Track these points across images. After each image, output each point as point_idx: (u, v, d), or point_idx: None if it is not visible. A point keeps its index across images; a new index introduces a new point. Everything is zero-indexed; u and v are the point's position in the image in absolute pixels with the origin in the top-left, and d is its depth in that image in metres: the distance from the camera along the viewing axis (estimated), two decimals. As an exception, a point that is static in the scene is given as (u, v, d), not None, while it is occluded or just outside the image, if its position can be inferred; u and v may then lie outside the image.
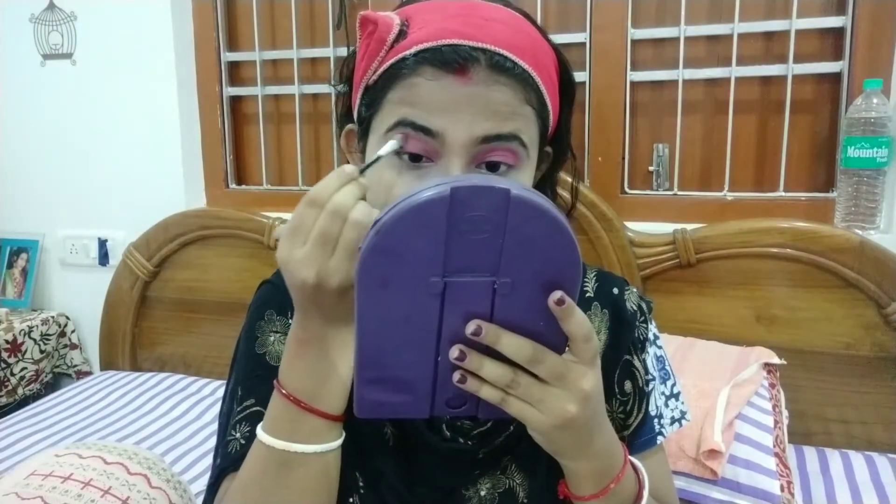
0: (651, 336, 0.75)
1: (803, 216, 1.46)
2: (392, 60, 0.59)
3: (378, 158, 0.57)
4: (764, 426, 1.23)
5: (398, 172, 0.60)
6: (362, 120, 0.65)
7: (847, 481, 1.26)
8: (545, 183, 0.72)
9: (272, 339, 0.71)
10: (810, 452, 1.37)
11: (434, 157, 0.59)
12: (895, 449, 1.37)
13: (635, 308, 0.74)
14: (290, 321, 0.70)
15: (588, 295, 0.74)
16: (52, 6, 1.93)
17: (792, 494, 1.15)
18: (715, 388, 1.23)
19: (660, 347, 0.77)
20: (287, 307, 0.71)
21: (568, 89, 0.67)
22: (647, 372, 0.73)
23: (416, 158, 0.59)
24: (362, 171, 0.53)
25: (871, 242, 1.35)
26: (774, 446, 1.20)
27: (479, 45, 0.57)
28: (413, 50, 0.58)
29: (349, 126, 0.70)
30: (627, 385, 0.72)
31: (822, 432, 1.42)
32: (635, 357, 0.72)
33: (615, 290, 0.75)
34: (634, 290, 0.76)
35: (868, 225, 1.40)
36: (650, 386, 0.73)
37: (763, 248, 1.42)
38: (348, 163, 0.72)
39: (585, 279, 0.75)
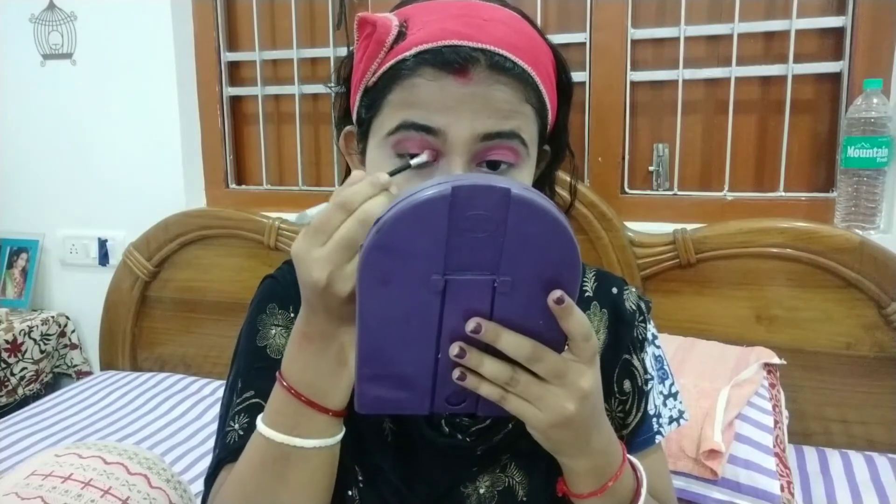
0: (650, 336, 0.75)
1: (803, 216, 1.46)
2: (392, 62, 0.59)
3: (408, 166, 0.58)
4: (764, 426, 1.23)
5: (400, 175, 0.60)
6: (362, 122, 0.65)
7: (847, 481, 1.26)
8: (544, 181, 0.73)
9: (273, 332, 0.71)
10: (810, 452, 1.37)
11: (436, 157, 0.59)
12: (895, 449, 1.37)
13: (634, 308, 0.74)
14: (292, 315, 0.70)
15: (587, 294, 0.74)
16: (52, 6, 1.93)
17: (792, 494, 1.15)
18: (715, 388, 1.23)
19: (658, 347, 0.77)
20: (289, 301, 0.72)
21: (566, 88, 0.68)
22: (645, 371, 0.73)
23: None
24: (392, 175, 0.54)
25: (871, 242, 1.35)
26: (774, 446, 1.20)
27: (479, 45, 0.57)
28: (413, 51, 0.58)
29: (348, 128, 0.70)
30: (626, 384, 0.72)
31: (822, 432, 1.42)
32: (634, 356, 0.72)
33: (614, 290, 0.75)
34: (633, 289, 0.76)
35: (868, 225, 1.39)
36: (649, 385, 0.73)
37: (763, 248, 1.42)
38: (347, 164, 0.73)
39: (585, 279, 0.75)
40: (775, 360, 1.36)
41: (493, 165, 0.60)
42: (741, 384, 1.27)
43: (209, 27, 1.89)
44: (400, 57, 0.59)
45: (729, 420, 1.20)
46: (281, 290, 0.72)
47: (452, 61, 0.57)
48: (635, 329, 0.73)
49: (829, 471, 1.30)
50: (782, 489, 1.15)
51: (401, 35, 0.60)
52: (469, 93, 0.57)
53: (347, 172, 0.74)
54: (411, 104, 0.59)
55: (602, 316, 0.73)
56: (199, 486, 1.28)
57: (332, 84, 0.75)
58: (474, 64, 0.57)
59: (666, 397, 0.76)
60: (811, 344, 1.41)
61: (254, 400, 0.67)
